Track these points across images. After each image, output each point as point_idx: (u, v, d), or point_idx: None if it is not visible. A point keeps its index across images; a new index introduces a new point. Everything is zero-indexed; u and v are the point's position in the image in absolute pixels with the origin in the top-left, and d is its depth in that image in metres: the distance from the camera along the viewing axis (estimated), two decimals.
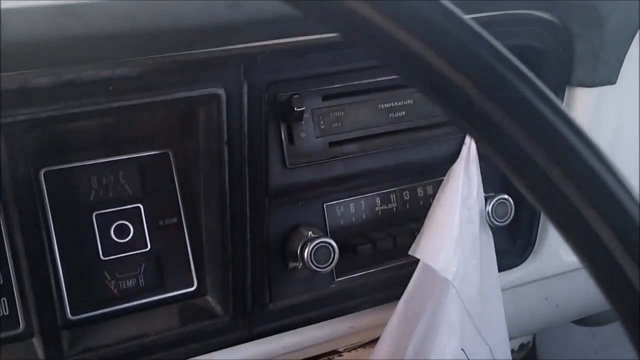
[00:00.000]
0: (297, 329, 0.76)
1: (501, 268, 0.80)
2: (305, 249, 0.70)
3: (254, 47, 0.61)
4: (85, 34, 0.51)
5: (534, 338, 1.42)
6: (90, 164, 0.69)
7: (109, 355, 0.66)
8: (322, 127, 0.71)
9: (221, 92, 0.61)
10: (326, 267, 0.70)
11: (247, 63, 0.61)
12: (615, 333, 1.48)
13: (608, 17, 0.69)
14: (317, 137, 0.71)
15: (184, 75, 0.59)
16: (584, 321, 1.31)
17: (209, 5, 0.53)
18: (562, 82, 0.77)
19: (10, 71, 0.51)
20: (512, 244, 0.83)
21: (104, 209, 0.69)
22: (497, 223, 0.77)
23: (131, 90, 0.58)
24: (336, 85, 0.70)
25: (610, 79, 0.74)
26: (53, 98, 0.54)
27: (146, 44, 0.55)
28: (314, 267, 0.70)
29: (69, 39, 0.51)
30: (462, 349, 0.72)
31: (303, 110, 0.66)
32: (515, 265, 0.84)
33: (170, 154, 0.71)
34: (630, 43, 0.73)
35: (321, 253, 0.70)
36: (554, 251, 0.85)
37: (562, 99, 0.78)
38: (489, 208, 0.76)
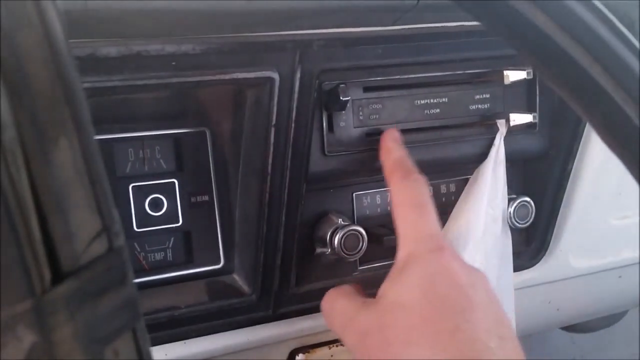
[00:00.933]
0: (315, 314, 0.78)
1: (514, 269, 0.83)
2: (335, 236, 0.72)
3: (311, 34, 0.62)
4: (159, 9, 0.52)
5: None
6: (129, 137, 0.69)
7: None
8: (361, 117, 0.72)
9: (276, 75, 0.62)
10: (355, 254, 0.72)
11: (304, 49, 0.63)
12: (593, 342, 1.53)
13: None
14: (355, 127, 0.72)
15: (243, 56, 0.60)
16: (570, 327, 1.36)
17: None
18: None
19: (83, 38, 0.52)
20: (527, 246, 0.86)
21: (140, 182, 0.70)
22: (517, 224, 0.79)
23: (192, 67, 0.59)
24: (378, 78, 0.72)
25: None
26: (119, 68, 0.55)
27: (213, 23, 0.56)
28: (343, 253, 0.72)
29: (143, 12, 0.52)
30: None
31: (348, 99, 0.68)
32: (527, 267, 0.87)
33: (207, 133, 0.72)
34: None
35: (351, 240, 0.72)
36: (564, 256, 0.89)
37: None
38: (511, 209, 0.79)
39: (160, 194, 0.71)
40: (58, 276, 0.22)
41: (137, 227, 0.70)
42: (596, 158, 0.83)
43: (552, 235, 0.86)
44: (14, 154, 0.20)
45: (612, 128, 0.32)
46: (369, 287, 0.79)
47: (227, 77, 0.60)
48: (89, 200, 0.23)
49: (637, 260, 0.93)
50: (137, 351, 0.24)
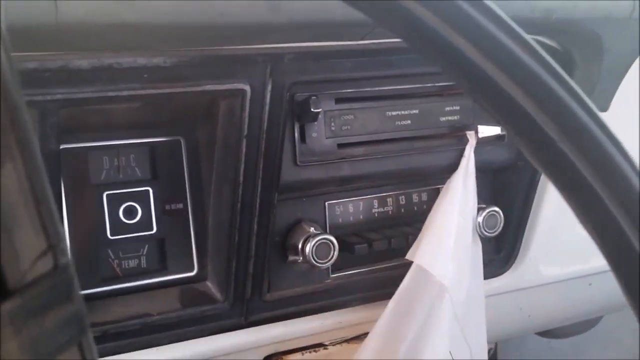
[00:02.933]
0: (287, 320, 0.79)
1: (484, 276, 0.84)
2: (307, 244, 0.73)
3: (282, 48, 0.64)
4: (131, 23, 0.53)
5: (495, 345, 1.48)
6: (104, 145, 0.70)
7: (112, 332, 0.68)
8: (333, 128, 0.74)
9: (247, 87, 0.64)
10: (326, 262, 0.74)
11: (275, 62, 0.64)
12: (570, 348, 1.55)
13: (610, 48, 0.74)
14: (327, 138, 0.74)
15: (214, 68, 0.62)
16: (546, 332, 1.38)
17: (249, 5, 0.55)
18: None
19: (55, 51, 0.53)
20: (496, 254, 0.88)
21: (115, 190, 0.71)
22: (486, 233, 0.81)
23: (163, 79, 0.60)
24: (349, 90, 0.73)
25: (603, 107, 0.79)
26: (91, 80, 0.56)
27: (185, 37, 0.57)
28: (314, 262, 0.73)
29: (114, 26, 0.53)
30: (449, 352, 0.76)
31: (319, 111, 0.69)
32: (497, 275, 0.89)
33: (182, 142, 0.73)
34: (625, 74, 0.78)
35: (322, 249, 0.73)
36: (534, 264, 0.90)
37: None
38: (480, 219, 0.81)
39: (135, 202, 0.72)
40: (3, 294, 0.23)
41: (111, 235, 0.70)
42: None
43: (521, 244, 0.87)
44: None
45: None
46: (341, 294, 0.80)
47: (198, 89, 0.61)
48: (34, 220, 0.24)
49: (607, 269, 0.95)
50: None
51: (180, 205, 0.74)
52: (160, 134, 0.72)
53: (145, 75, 0.58)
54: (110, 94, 0.58)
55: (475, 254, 0.81)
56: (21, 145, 0.24)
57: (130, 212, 0.72)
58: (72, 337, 0.25)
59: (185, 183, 0.74)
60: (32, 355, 0.24)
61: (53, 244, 0.25)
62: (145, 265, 0.73)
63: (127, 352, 0.69)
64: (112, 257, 0.72)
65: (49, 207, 0.25)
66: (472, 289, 0.80)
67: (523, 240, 0.88)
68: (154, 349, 0.71)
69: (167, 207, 0.74)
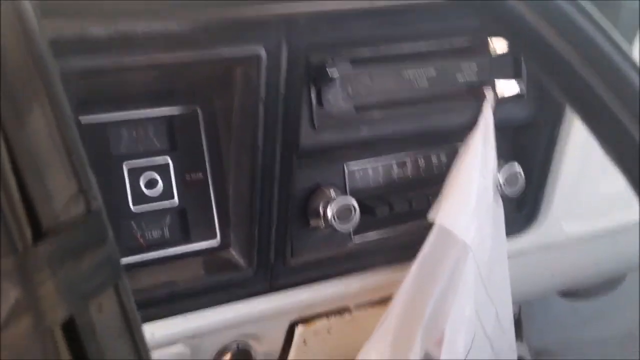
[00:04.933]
0: (312, 285, 0.80)
1: (506, 235, 0.84)
2: (328, 208, 0.73)
3: (296, 9, 0.63)
4: None
5: (519, 309, 1.48)
6: (122, 117, 0.71)
7: (139, 301, 0.68)
8: (350, 91, 0.74)
9: (262, 52, 0.63)
10: (347, 225, 0.74)
11: (289, 25, 0.64)
12: (594, 310, 1.55)
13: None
14: (344, 101, 0.73)
15: (229, 33, 0.62)
16: (569, 294, 1.38)
17: None
18: None
19: (71, 18, 0.53)
20: (518, 213, 0.88)
21: (135, 162, 0.71)
22: (508, 191, 0.81)
23: (179, 46, 0.60)
24: (366, 52, 0.73)
25: None
26: (108, 48, 0.56)
27: (198, 2, 0.57)
28: (336, 225, 0.73)
29: None
30: (475, 311, 0.76)
31: (335, 73, 0.69)
32: (520, 233, 0.88)
33: (199, 111, 0.73)
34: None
35: (343, 212, 0.73)
36: (556, 222, 0.90)
37: None
38: (501, 177, 0.80)
39: (155, 173, 0.72)
40: (39, 235, 0.23)
41: (134, 206, 0.71)
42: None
43: (542, 202, 0.87)
44: None
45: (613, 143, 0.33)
46: (364, 257, 0.81)
47: (214, 54, 0.61)
48: (65, 165, 0.24)
49: (630, 224, 0.94)
50: (120, 306, 0.26)
51: (200, 175, 0.74)
52: (178, 104, 0.72)
53: (161, 42, 0.58)
54: (127, 62, 0.58)
55: (497, 212, 0.80)
56: (48, 90, 0.24)
57: (151, 184, 0.72)
58: (108, 280, 0.26)
59: (204, 152, 0.74)
60: (69, 297, 0.24)
61: (84, 189, 0.25)
62: (168, 236, 0.74)
63: (155, 319, 0.70)
64: (136, 228, 0.72)
65: (79, 153, 0.26)
66: (495, 248, 0.80)
67: (545, 198, 0.87)
68: (181, 316, 0.72)
69: (188, 177, 0.74)
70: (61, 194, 0.24)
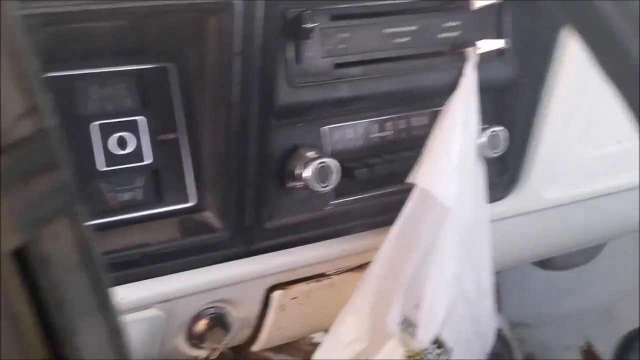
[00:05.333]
0: (290, 249, 0.78)
1: (488, 200, 0.83)
2: (308, 168, 0.71)
3: None
4: None
5: (497, 282, 1.48)
6: (90, 73, 0.68)
7: (111, 262, 0.66)
8: (329, 47, 0.71)
9: (237, 0, 0.61)
10: (326, 186, 0.72)
11: None
12: (571, 282, 1.55)
13: None
14: (323, 58, 0.71)
15: None
16: (547, 264, 1.38)
17: None
18: None
19: None
20: (500, 177, 0.86)
21: (103, 120, 0.68)
22: (490, 154, 0.79)
23: None
24: (345, 6, 0.71)
25: None
26: None
27: None
28: (315, 186, 0.71)
29: None
30: (455, 274, 0.75)
31: (313, 27, 0.66)
32: (500, 198, 0.87)
33: (172, 68, 0.70)
34: None
35: (322, 172, 0.71)
36: (536, 188, 0.89)
37: None
38: (484, 139, 0.79)
39: (126, 132, 0.69)
40: None
41: (104, 167, 0.68)
42: (568, 86, 0.83)
43: (524, 166, 0.86)
44: None
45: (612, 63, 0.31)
46: (343, 221, 0.79)
47: (186, 2, 0.58)
48: (14, 77, 0.22)
49: (610, 192, 0.93)
50: (76, 235, 0.24)
51: (174, 135, 0.72)
52: (148, 60, 0.69)
53: None
54: (93, 7, 0.55)
55: (478, 174, 0.79)
56: None
57: (121, 143, 0.69)
58: (62, 206, 0.23)
59: (177, 111, 0.71)
60: (20, 222, 0.22)
61: (35, 105, 0.23)
62: (141, 197, 0.71)
63: (128, 282, 0.67)
64: (107, 189, 0.70)
65: (28, 67, 0.23)
66: (476, 211, 0.79)
67: (526, 163, 0.86)
68: (156, 279, 0.70)
69: (161, 137, 0.72)
70: (9, 109, 0.22)
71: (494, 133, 0.79)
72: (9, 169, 0.22)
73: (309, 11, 0.66)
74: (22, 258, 0.23)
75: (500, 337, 1.45)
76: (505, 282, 1.51)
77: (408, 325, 0.75)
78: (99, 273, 0.24)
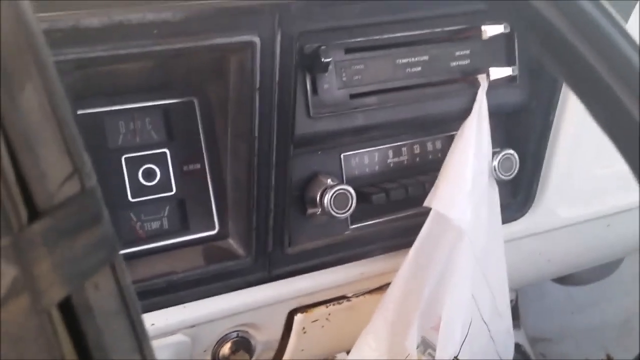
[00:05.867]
0: (310, 273, 0.80)
1: (502, 221, 0.85)
2: (325, 195, 0.73)
3: None
4: None
5: (516, 296, 1.49)
6: (119, 109, 0.71)
7: (138, 291, 0.69)
8: (344, 79, 0.74)
9: (256, 39, 0.64)
10: (344, 213, 0.74)
11: (282, 12, 0.64)
12: (590, 296, 1.55)
13: None
14: (339, 89, 0.74)
15: (222, 21, 0.62)
16: (565, 280, 1.38)
17: None
18: None
19: (64, 10, 0.53)
20: (513, 199, 0.88)
21: (132, 153, 0.72)
22: (502, 177, 0.81)
23: (173, 35, 0.60)
24: (358, 39, 0.73)
25: None
26: (102, 39, 0.57)
27: None
28: (333, 212, 0.74)
29: None
30: (472, 295, 0.76)
31: (329, 61, 0.69)
32: (515, 219, 0.89)
33: (196, 102, 0.74)
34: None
35: (340, 199, 0.74)
36: (551, 207, 0.90)
37: None
38: (496, 162, 0.81)
39: (153, 164, 0.72)
40: (34, 214, 0.24)
41: (132, 197, 0.71)
42: (577, 108, 0.84)
43: (537, 186, 0.87)
44: None
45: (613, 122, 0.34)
46: (361, 245, 0.81)
47: (208, 43, 0.62)
48: (58, 142, 0.25)
49: (624, 209, 0.95)
50: (116, 284, 0.26)
51: (198, 165, 0.75)
52: (174, 95, 0.72)
53: (155, 31, 0.59)
54: (122, 52, 0.58)
55: (492, 197, 0.81)
56: (39, 66, 0.25)
57: (149, 175, 0.73)
58: (104, 258, 0.26)
59: (201, 143, 0.74)
60: (65, 276, 0.25)
61: (79, 167, 0.26)
62: (167, 227, 0.74)
63: (154, 310, 0.70)
64: (135, 219, 0.73)
65: (72, 132, 0.26)
66: (490, 232, 0.81)
67: (539, 183, 0.88)
68: (181, 306, 0.73)
69: (185, 167, 0.75)
70: (55, 173, 0.25)
71: (506, 156, 0.81)
72: (54, 228, 0.24)
73: (324, 46, 0.69)
74: (68, 307, 0.25)
75: (521, 352, 1.46)
76: (525, 297, 1.51)
77: (426, 346, 0.77)
78: (136, 317, 0.27)
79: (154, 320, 0.71)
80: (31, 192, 0.24)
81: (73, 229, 0.25)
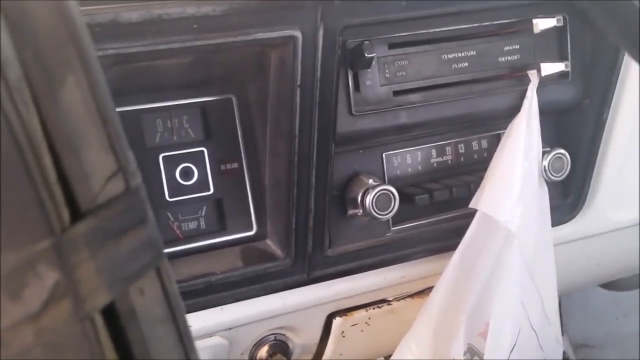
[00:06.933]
0: (350, 276, 0.78)
1: (552, 223, 0.81)
2: (367, 196, 0.71)
3: None
4: None
5: (560, 302, 1.44)
6: (157, 107, 0.70)
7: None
8: (387, 75, 0.71)
9: (298, 34, 0.62)
10: (386, 214, 0.72)
11: (325, 6, 0.62)
12: (635, 301, 1.50)
13: None
14: (382, 86, 0.71)
15: (264, 16, 0.60)
16: (610, 285, 1.33)
17: None
18: None
19: (103, 4, 0.52)
20: (564, 200, 0.85)
21: (170, 152, 0.70)
22: (553, 178, 0.78)
23: (213, 29, 0.58)
24: (402, 34, 0.71)
25: None
26: (141, 33, 0.55)
27: None
28: (374, 213, 0.71)
29: None
30: (521, 302, 0.73)
31: (373, 56, 0.67)
32: (565, 222, 0.85)
33: (234, 100, 0.72)
34: None
35: (382, 200, 0.71)
36: (602, 209, 0.87)
37: None
38: (546, 162, 0.77)
39: (191, 163, 0.71)
40: (76, 215, 0.22)
41: (170, 197, 0.70)
42: (632, 106, 0.81)
43: (589, 188, 0.84)
44: (22, 93, 0.20)
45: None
46: (403, 247, 0.79)
47: (249, 38, 0.60)
48: (102, 140, 0.23)
49: None
50: (162, 290, 0.24)
51: (236, 165, 0.73)
52: (212, 92, 0.71)
53: (194, 26, 0.57)
54: (161, 46, 0.56)
55: (541, 199, 0.78)
56: (82, 60, 0.23)
57: (186, 174, 0.71)
58: (150, 262, 0.24)
59: (239, 141, 0.72)
60: (109, 280, 0.23)
61: (123, 165, 0.24)
62: (204, 227, 0.73)
63: (193, 311, 0.69)
64: (172, 219, 0.71)
65: (116, 128, 0.24)
66: (540, 235, 0.77)
67: (590, 185, 0.84)
68: (219, 308, 0.71)
69: (223, 167, 0.73)
70: (99, 172, 0.23)
71: (557, 156, 0.78)
72: (97, 229, 0.22)
73: (368, 41, 0.66)
74: (111, 313, 0.23)
75: (564, 359, 1.42)
76: (569, 302, 1.47)
77: (473, 354, 0.74)
78: (183, 324, 0.25)
79: (191, 322, 0.69)
80: (73, 191, 0.22)
81: (117, 230, 0.23)
